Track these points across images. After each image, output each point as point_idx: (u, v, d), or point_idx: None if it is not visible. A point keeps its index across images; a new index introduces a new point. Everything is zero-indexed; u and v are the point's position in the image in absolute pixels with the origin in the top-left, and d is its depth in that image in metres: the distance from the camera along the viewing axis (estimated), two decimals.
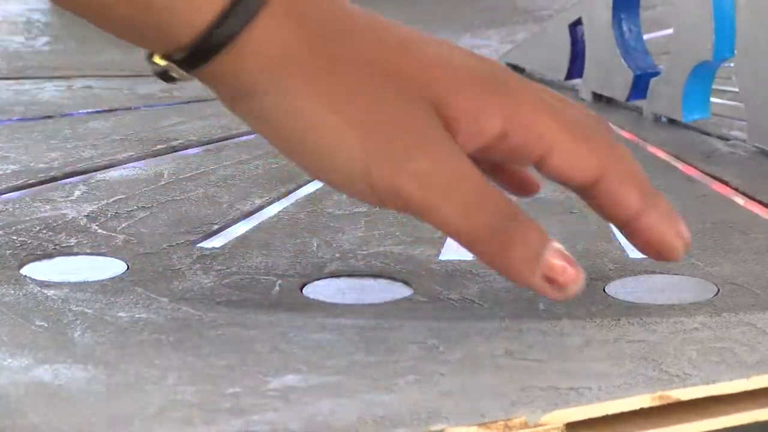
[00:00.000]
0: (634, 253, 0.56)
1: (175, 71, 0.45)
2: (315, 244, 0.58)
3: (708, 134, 0.85)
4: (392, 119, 0.44)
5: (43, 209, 0.63)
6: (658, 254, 0.47)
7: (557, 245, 0.44)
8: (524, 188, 0.52)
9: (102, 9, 0.44)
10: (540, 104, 0.46)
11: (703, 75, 0.85)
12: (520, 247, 0.44)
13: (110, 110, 0.92)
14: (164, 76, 0.46)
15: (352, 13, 0.46)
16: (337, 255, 0.56)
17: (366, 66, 0.44)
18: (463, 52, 0.47)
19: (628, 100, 0.93)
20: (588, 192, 0.47)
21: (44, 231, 0.59)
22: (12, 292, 0.50)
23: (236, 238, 0.59)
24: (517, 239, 0.44)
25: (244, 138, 0.82)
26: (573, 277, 0.44)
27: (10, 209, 0.63)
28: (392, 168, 0.43)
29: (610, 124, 0.49)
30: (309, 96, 0.43)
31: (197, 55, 0.44)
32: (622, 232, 0.48)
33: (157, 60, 0.45)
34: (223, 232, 0.60)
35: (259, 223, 0.62)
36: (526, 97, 0.46)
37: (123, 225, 0.60)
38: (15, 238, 0.58)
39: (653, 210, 0.47)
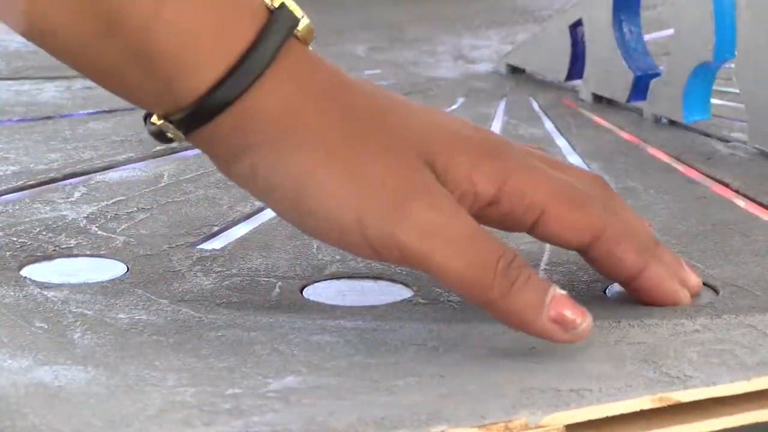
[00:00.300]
0: None
1: (172, 132, 0.45)
2: (315, 246, 0.58)
3: (708, 136, 0.85)
4: (388, 172, 0.44)
5: (42, 210, 0.63)
6: (663, 305, 0.48)
7: (561, 290, 0.44)
8: None
9: (104, 74, 0.45)
10: (532, 170, 0.46)
11: (703, 76, 0.85)
12: (524, 290, 0.43)
13: (110, 111, 0.92)
14: (159, 136, 0.46)
15: (351, 80, 0.47)
16: (337, 257, 0.56)
17: (364, 125, 0.45)
18: (458, 121, 0.48)
19: (628, 101, 0.93)
20: (586, 254, 0.48)
21: (44, 232, 0.59)
22: (12, 293, 0.50)
23: (236, 239, 0.59)
24: (519, 283, 0.43)
25: None
26: (582, 313, 0.43)
27: (10, 210, 0.63)
28: (387, 220, 0.43)
29: (606, 182, 0.50)
30: (304, 150, 0.44)
31: (197, 116, 0.44)
32: (625, 289, 0.49)
33: (155, 120, 0.46)
34: (223, 233, 0.60)
35: (259, 225, 0.62)
36: (519, 164, 0.46)
37: (123, 226, 0.60)
38: (15, 239, 0.58)
39: (653, 266, 0.48)
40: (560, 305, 0.43)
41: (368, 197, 0.43)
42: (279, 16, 0.45)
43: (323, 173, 0.44)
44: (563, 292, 0.44)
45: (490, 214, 0.46)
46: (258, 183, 0.45)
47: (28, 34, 0.44)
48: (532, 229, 0.47)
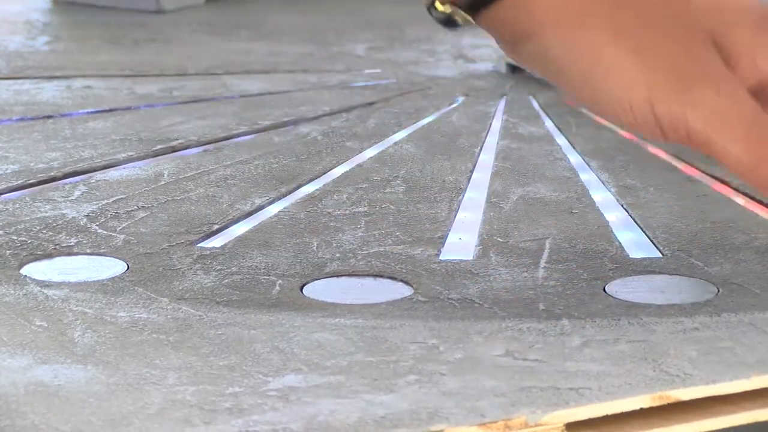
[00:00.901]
0: (634, 253, 0.56)
1: (459, 16, 0.46)
2: (315, 244, 0.58)
3: None
4: (676, 53, 0.45)
5: (43, 209, 0.63)
6: None
7: None
8: None
9: None
10: None
11: None
12: None
13: (110, 110, 0.92)
14: (446, 22, 0.47)
15: None
16: (338, 255, 0.56)
17: (650, 6, 0.45)
18: None
19: None
20: None
21: (44, 231, 0.59)
22: (12, 292, 0.50)
23: (236, 238, 0.59)
24: None
25: (244, 138, 0.82)
26: None
27: (10, 209, 0.63)
28: (676, 100, 0.44)
29: None
30: (591, 30, 0.45)
31: (480, 1, 0.45)
32: None
33: (439, 6, 0.46)
34: (223, 232, 0.60)
35: (259, 223, 0.62)
36: None
37: (123, 225, 0.60)
38: (15, 238, 0.58)
39: None
40: None
41: (658, 78, 0.44)
42: None
43: (612, 53, 0.44)
44: None
45: None
46: (548, 65, 0.46)
47: None
48: None
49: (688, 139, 0.45)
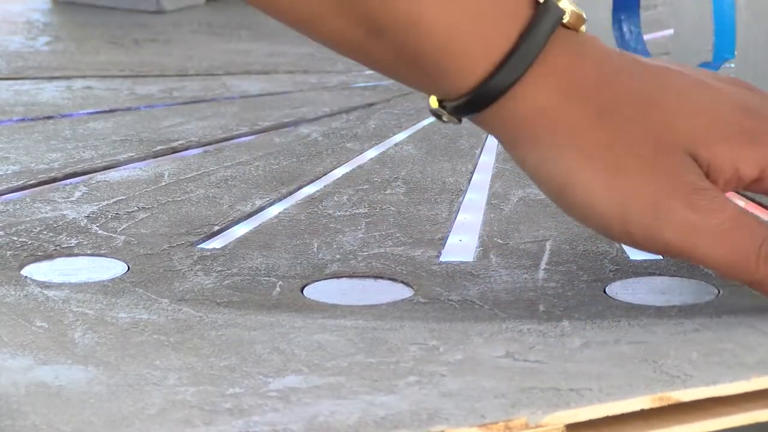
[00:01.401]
0: (634, 255, 0.56)
1: (446, 116, 0.48)
2: (315, 245, 0.58)
3: None
4: (647, 172, 0.45)
5: (43, 210, 0.63)
6: None
7: None
8: None
9: (377, 67, 0.47)
10: None
11: None
12: None
13: (110, 111, 0.92)
14: (437, 116, 0.48)
15: (619, 67, 0.47)
16: (338, 256, 0.56)
17: (624, 124, 0.46)
18: (726, 100, 0.48)
19: None
20: None
21: (45, 232, 0.59)
22: (13, 292, 0.50)
23: (237, 239, 0.59)
24: None
25: (245, 139, 0.82)
26: None
27: (11, 210, 0.63)
28: (648, 218, 0.45)
29: None
30: (562, 151, 0.45)
31: (463, 109, 0.46)
32: None
33: (431, 102, 0.48)
34: (224, 233, 0.60)
35: (260, 224, 0.62)
36: None
37: (123, 226, 0.60)
38: (16, 239, 0.58)
39: None
40: None
41: (628, 200, 0.45)
42: (543, 13, 0.45)
43: (584, 174, 0.45)
44: None
45: (753, 188, 0.48)
46: (527, 172, 0.47)
47: (291, 24, 0.47)
48: None
49: (665, 251, 0.46)
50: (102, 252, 0.56)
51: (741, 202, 0.66)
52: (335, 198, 0.66)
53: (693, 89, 0.48)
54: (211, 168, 0.72)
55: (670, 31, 0.89)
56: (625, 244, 0.47)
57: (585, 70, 0.46)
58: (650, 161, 0.46)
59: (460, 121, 0.47)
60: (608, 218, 0.46)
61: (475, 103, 0.45)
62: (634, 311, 0.48)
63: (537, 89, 0.45)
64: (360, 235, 0.59)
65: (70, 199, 0.65)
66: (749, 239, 0.46)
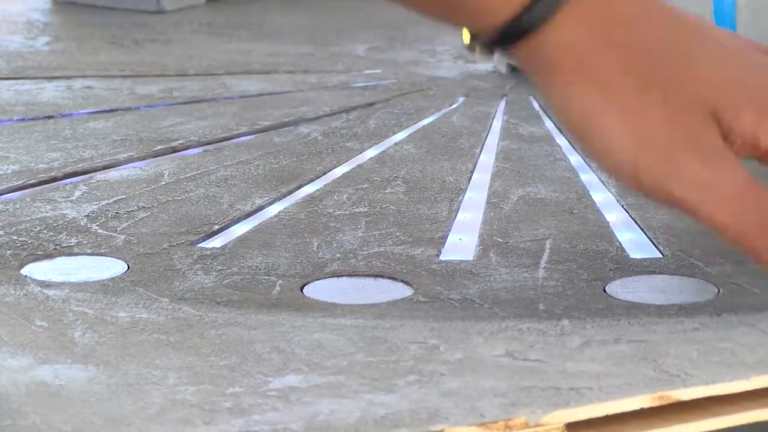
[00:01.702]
0: (634, 254, 0.56)
1: (478, 50, 0.48)
2: (315, 244, 0.58)
3: None
4: (665, 121, 0.45)
5: (43, 209, 0.63)
6: None
7: None
8: None
9: (422, 7, 0.48)
10: None
11: None
12: None
13: (110, 110, 0.92)
14: (472, 49, 0.49)
15: (653, 12, 0.48)
16: (338, 255, 0.56)
17: (649, 72, 0.46)
18: (750, 65, 0.48)
19: None
20: None
21: (45, 231, 0.59)
22: (13, 292, 0.50)
23: (237, 238, 0.59)
24: None
25: (244, 138, 0.82)
26: None
27: (11, 209, 0.63)
28: (660, 167, 0.45)
29: None
30: (586, 92, 0.46)
31: (495, 45, 0.47)
32: None
33: (464, 37, 0.49)
34: (224, 232, 0.60)
35: (260, 224, 0.62)
36: None
37: (123, 225, 0.60)
38: (16, 238, 0.58)
39: None
40: None
41: (644, 145, 0.45)
42: None
43: (603, 117, 0.46)
44: None
45: (764, 157, 0.47)
46: (551, 104, 0.47)
47: None
48: None
49: (670, 204, 0.46)
50: (102, 251, 0.56)
51: None
52: (335, 197, 0.66)
53: (727, 52, 0.48)
54: (211, 167, 0.72)
55: None
56: (632, 189, 0.47)
57: (619, 14, 0.47)
58: (673, 114, 0.46)
59: (492, 53, 0.48)
60: (621, 161, 0.46)
61: (507, 37, 0.46)
62: (634, 310, 0.48)
63: (568, 26, 0.46)
64: (360, 234, 0.59)
65: (70, 198, 0.65)
66: (757, 206, 0.46)
